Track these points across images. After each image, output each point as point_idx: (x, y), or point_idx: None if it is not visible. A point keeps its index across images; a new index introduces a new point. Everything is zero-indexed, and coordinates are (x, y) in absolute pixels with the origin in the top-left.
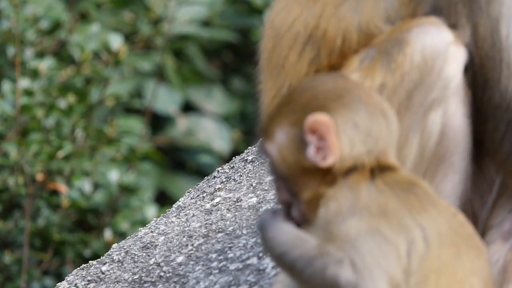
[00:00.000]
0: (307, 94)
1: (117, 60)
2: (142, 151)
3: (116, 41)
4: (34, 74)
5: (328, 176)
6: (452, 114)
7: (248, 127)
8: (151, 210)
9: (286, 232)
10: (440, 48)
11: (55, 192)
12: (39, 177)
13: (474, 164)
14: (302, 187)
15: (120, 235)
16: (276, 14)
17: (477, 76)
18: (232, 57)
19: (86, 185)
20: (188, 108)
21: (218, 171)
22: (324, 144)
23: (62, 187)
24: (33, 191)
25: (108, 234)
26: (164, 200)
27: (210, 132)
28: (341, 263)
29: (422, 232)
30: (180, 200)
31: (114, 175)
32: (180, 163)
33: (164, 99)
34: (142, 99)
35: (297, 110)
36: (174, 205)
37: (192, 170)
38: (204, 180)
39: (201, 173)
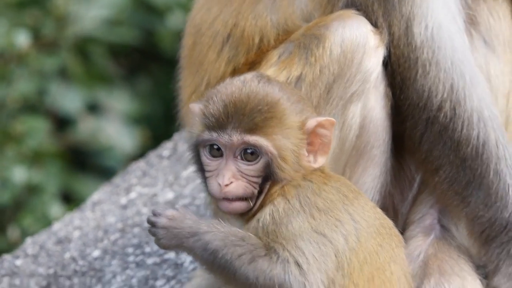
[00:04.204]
0: (297, 96)
1: (22, 59)
2: (47, 151)
3: (21, 39)
4: None
5: (297, 176)
6: (372, 108)
7: (154, 127)
8: (55, 209)
9: (221, 230)
10: (360, 42)
11: None
12: None
13: (394, 161)
14: (273, 184)
15: (24, 234)
16: (197, 12)
17: (395, 75)
18: (138, 58)
19: None
20: (93, 108)
21: (133, 167)
22: (321, 146)
23: None
24: None
25: (12, 232)
26: (69, 200)
27: (115, 133)
28: (288, 263)
29: (354, 224)
30: (94, 194)
31: (19, 174)
32: (85, 163)
33: (69, 99)
34: (46, 99)
35: (295, 112)
36: (88, 200)
37: (97, 171)
38: (118, 175)
39: (106, 173)
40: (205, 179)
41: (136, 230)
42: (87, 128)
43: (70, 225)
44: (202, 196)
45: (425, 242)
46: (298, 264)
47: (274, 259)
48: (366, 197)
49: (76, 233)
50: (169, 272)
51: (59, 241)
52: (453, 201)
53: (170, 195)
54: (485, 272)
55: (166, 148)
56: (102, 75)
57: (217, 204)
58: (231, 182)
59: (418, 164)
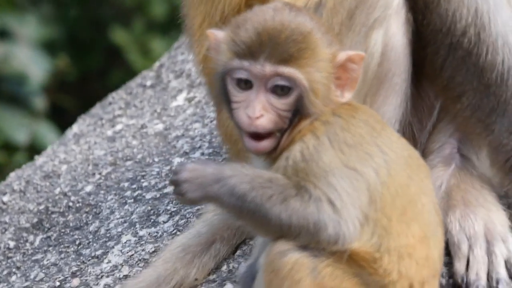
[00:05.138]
0: (325, 27)
1: None
2: None
3: None
4: None
5: (326, 111)
6: (393, 34)
7: (71, 53)
8: None
9: (246, 172)
10: None
11: None
12: None
13: (413, 89)
14: (302, 119)
15: None
16: None
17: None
18: None
19: None
20: (2, 34)
21: (113, 97)
22: (349, 81)
23: None
24: None
25: None
26: None
27: (27, 59)
28: (320, 201)
29: (384, 156)
30: (73, 127)
31: None
32: None
33: None
34: None
35: (326, 44)
36: (68, 132)
37: (8, 97)
38: (97, 106)
39: (17, 100)
40: (231, 110)
41: (129, 163)
42: None
43: (55, 159)
44: (195, 127)
45: (446, 172)
46: (331, 202)
47: (306, 198)
48: (391, 128)
49: (64, 168)
50: (171, 207)
51: (47, 176)
52: (475, 129)
53: (159, 126)
54: (508, 203)
55: (148, 78)
56: (9, 0)
57: (244, 142)
58: (262, 115)
59: (439, 91)
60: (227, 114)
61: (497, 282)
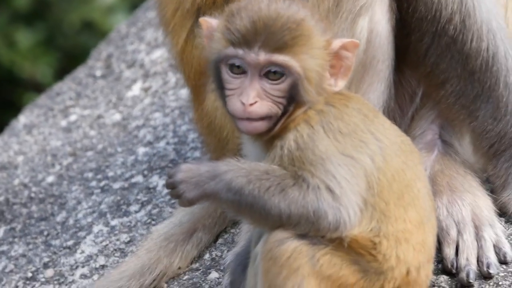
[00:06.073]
0: (318, 15)
1: None
2: None
3: None
4: None
5: (320, 100)
6: (378, 21)
7: None
8: None
9: (242, 166)
10: None
11: None
12: None
13: (395, 76)
14: (296, 107)
15: None
16: None
17: None
18: None
19: None
20: None
21: (60, 88)
22: (342, 70)
23: None
24: None
25: None
26: None
27: None
28: (319, 189)
29: (378, 143)
30: (20, 117)
31: None
32: None
33: None
34: None
35: (320, 32)
36: (16, 123)
37: None
38: (43, 97)
39: None
40: (224, 97)
41: (90, 154)
42: None
43: (9, 150)
44: (155, 116)
45: (429, 158)
46: (330, 189)
47: (304, 187)
48: (383, 116)
49: (20, 158)
50: (141, 197)
51: (3, 167)
52: (459, 115)
53: (117, 116)
54: (491, 188)
55: (96, 68)
56: None
57: (237, 124)
58: (256, 102)
59: (422, 78)
60: (212, 103)
61: (488, 267)
